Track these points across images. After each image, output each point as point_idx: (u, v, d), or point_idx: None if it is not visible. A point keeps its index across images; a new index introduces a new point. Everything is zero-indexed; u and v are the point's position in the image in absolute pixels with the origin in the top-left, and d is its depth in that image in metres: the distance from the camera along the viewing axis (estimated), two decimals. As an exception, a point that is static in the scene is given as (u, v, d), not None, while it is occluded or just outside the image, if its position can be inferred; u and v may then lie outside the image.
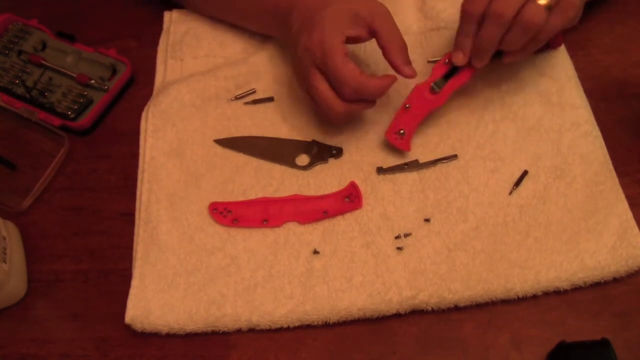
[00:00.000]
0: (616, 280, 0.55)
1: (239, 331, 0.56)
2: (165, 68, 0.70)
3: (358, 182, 0.61)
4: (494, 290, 0.54)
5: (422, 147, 0.62)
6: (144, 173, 0.63)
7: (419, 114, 0.60)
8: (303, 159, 0.63)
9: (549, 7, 0.52)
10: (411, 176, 0.61)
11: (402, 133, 0.60)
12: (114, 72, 0.70)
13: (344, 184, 0.61)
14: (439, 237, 0.57)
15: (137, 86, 0.71)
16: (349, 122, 0.63)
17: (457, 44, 0.57)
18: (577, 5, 0.54)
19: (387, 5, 0.61)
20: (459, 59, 0.57)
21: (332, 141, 0.64)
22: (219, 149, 0.64)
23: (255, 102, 0.67)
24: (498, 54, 0.57)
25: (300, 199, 0.61)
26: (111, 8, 0.77)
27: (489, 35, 0.54)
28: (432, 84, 0.59)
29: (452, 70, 0.59)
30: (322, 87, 0.57)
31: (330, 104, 0.57)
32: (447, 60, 0.59)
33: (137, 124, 0.66)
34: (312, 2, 0.59)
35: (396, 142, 0.61)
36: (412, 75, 0.59)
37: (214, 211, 0.60)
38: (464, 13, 0.54)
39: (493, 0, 0.52)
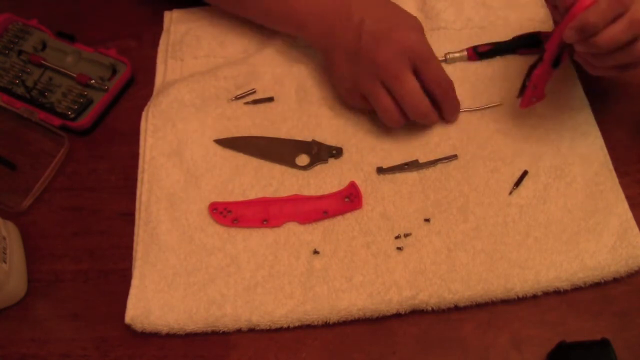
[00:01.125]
0: (616, 280, 0.55)
1: (239, 331, 0.56)
2: (165, 68, 0.70)
3: (358, 182, 0.61)
4: (494, 290, 0.54)
5: (422, 147, 0.62)
6: (144, 173, 0.63)
7: (543, 86, 0.60)
8: (303, 159, 0.63)
9: None
10: (411, 176, 0.61)
11: (534, 99, 0.61)
12: (114, 72, 0.70)
13: (344, 184, 0.61)
14: (439, 237, 0.57)
15: (137, 86, 0.71)
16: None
17: (581, 25, 0.49)
18: None
19: (387, 4, 0.61)
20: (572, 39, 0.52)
21: (332, 141, 0.64)
22: (219, 149, 0.64)
23: (255, 102, 0.67)
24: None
25: (300, 199, 0.61)
26: (111, 8, 0.77)
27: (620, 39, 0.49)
28: (552, 64, 0.57)
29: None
30: (414, 83, 0.59)
31: (417, 99, 0.59)
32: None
33: (137, 124, 0.66)
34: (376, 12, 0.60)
35: (532, 104, 0.61)
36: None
37: (214, 211, 0.60)
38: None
39: None
